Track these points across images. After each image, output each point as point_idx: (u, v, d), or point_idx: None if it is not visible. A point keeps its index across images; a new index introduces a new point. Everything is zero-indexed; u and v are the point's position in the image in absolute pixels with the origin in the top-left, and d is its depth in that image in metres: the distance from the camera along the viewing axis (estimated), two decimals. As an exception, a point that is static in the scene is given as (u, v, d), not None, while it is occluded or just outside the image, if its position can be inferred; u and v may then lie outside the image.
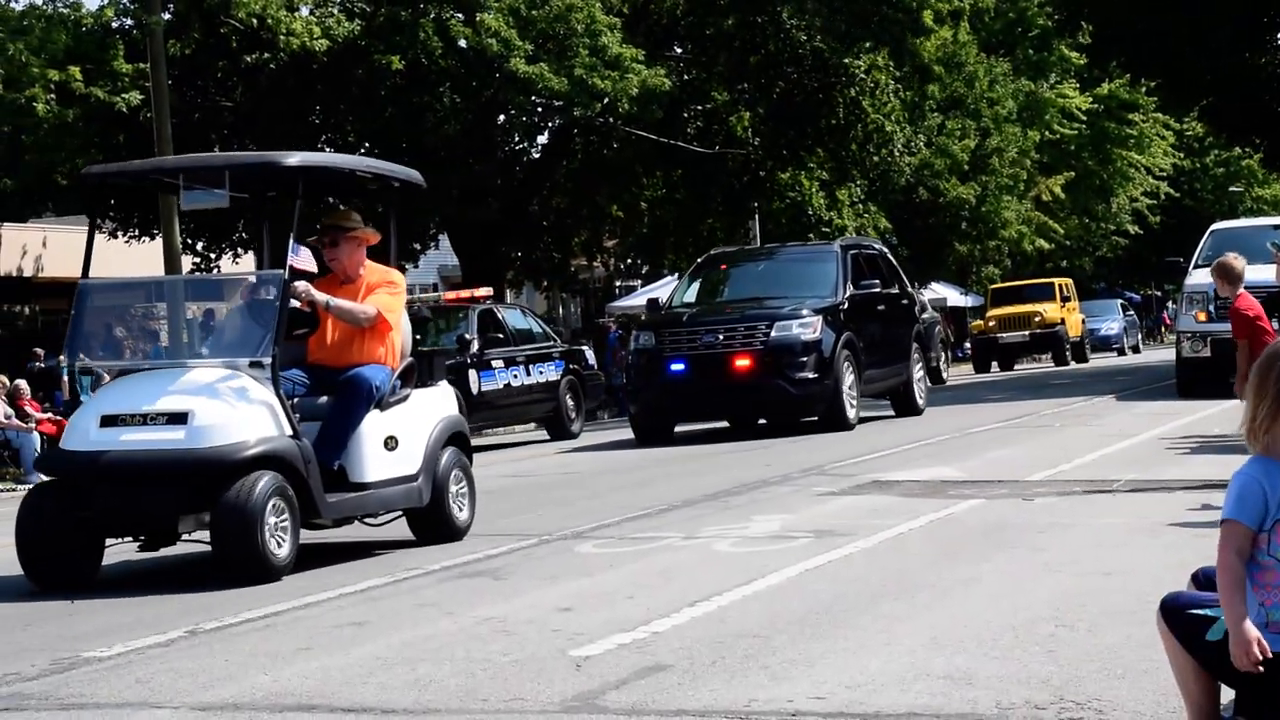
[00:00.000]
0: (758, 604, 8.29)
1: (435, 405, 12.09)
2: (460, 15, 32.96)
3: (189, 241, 35.47)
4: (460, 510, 12.12)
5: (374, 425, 11.21)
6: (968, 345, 56.07)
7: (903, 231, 51.40)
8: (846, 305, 22.43)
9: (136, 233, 35.82)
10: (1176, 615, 4.98)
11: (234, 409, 10.31)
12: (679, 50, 41.11)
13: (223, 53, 32.90)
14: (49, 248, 40.60)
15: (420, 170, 39.77)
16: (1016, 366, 49.62)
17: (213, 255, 36.95)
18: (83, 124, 31.24)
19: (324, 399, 11.15)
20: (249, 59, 31.02)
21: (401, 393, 11.57)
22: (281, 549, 10.21)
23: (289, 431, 10.48)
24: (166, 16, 31.14)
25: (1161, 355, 48.03)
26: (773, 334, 21.41)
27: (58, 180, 41.51)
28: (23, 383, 26.01)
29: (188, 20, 32.33)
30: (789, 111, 40.10)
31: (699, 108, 41.11)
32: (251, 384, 10.49)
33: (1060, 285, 51.36)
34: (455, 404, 12.52)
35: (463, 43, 32.95)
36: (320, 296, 11.13)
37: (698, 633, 7.56)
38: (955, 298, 63.31)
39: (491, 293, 28.20)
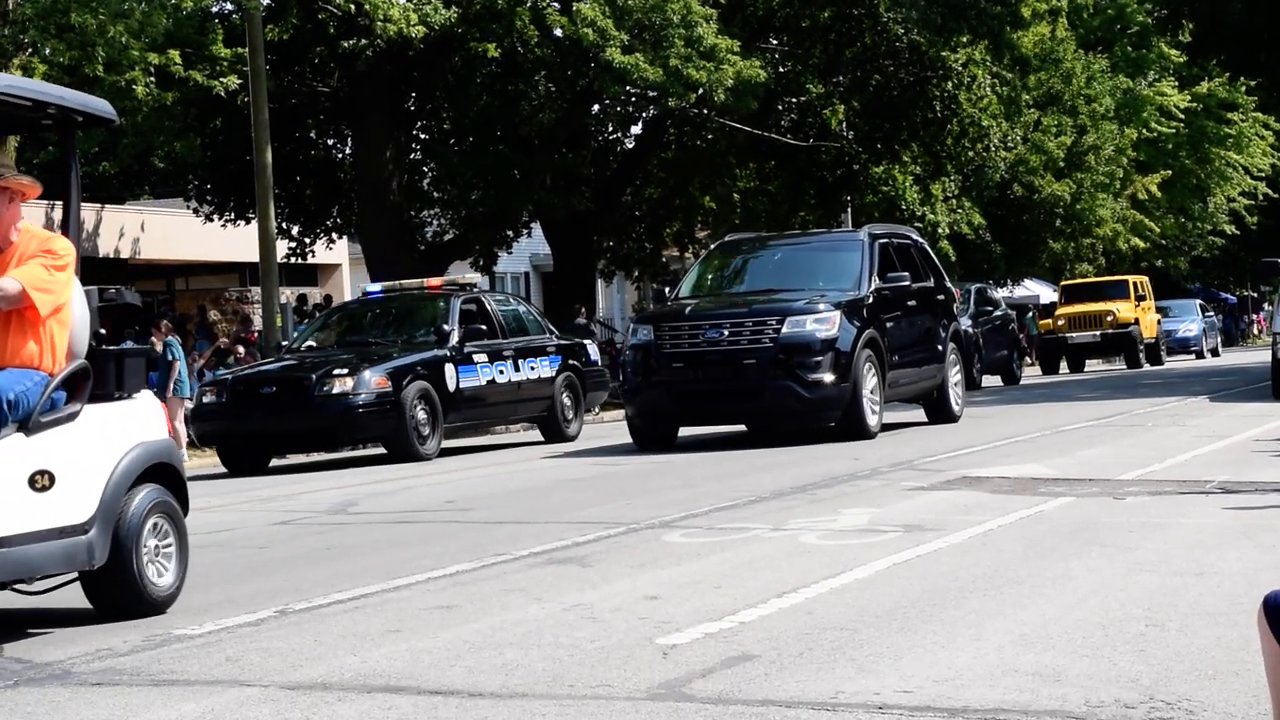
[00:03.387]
0: (845, 597, 8.27)
1: (125, 427, 8.60)
2: (556, 4, 33.07)
3: (284, 226, 35.74)
4: (160, 574, 8.69)
5: (14, 454, 7.78)
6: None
7: (997, 228, 51.18)
8: (871, 300, 20.33)
9: (233, 216, 36.14)
10: (1278, 613, 4.89)
11: None
12: (774, 42, 41.07)
13: (320, 38, 33.16)
14: (146, 230, 41.11)
15: (514, 158, 39.12)
16: (1087, 368, 46.96)
17: (307, 240, 37.19)
18: (181, 108, 31.55)
19: None
20: (346, 45, 31.20)
21: (66, 409, 8.16)
22: None
23: None
24: (266, 1, 31.39)
25: (1242, 358, 47.30)
26: (784, 330, 19.23)
27: (155, 163, 42.11)
28: None
29: (286, 5, 32.60)
30: (884, 105, 40.05)
31: (794, 100, 41.13)
32: None
33: (1135, 283, 47.43)
34: (159, 424, 8.94)
35: (559, 32, 33.05)
36: None
37: (785, 624, 7.54)
38: (1048, 295, 63.05)
39: (471, 281, 25.08)
